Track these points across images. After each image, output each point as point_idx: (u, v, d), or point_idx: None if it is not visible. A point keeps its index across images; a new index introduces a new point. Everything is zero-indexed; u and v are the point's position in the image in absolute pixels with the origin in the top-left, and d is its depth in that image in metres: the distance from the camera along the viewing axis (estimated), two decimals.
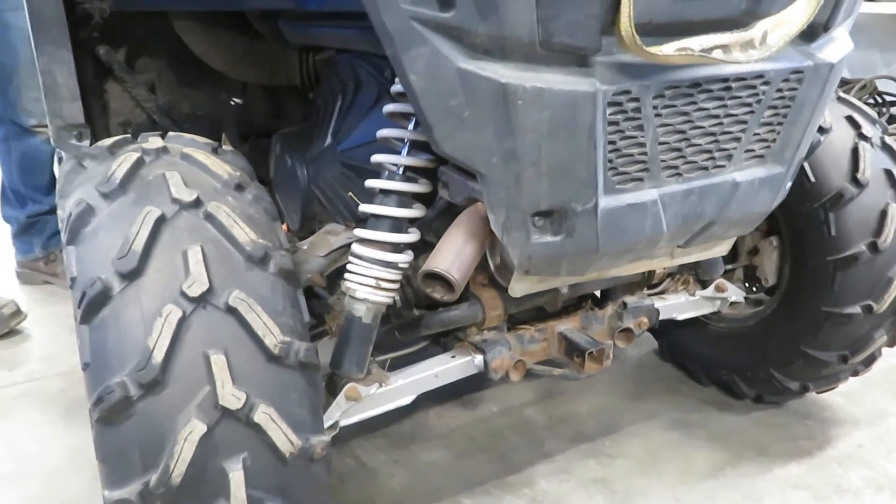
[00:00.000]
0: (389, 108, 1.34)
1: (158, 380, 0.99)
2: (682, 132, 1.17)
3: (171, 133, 1.33)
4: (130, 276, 1.03)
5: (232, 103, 2.00)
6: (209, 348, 1.02)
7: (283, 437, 1.04)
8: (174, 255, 1.06)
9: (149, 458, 0.99)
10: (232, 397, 1.01)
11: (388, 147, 1.37)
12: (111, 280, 1.03)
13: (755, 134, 1.25)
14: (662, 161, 1.18)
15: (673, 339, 2.21)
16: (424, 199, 1.38)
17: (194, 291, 1.03)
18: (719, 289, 1.83)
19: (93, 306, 1.02)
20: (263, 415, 1.03)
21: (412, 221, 1.38)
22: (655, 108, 1.11)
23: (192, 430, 0.99)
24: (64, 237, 1.12)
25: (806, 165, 1.66)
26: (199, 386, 1.01)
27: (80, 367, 1.05)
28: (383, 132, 1.36)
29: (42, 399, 2.16)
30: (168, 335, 1.00)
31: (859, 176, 1.63)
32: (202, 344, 1.02)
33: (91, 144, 1.64)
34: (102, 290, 1.02)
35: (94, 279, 1.03)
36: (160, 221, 1.07)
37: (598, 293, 1.72)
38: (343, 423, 1.40)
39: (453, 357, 1.53)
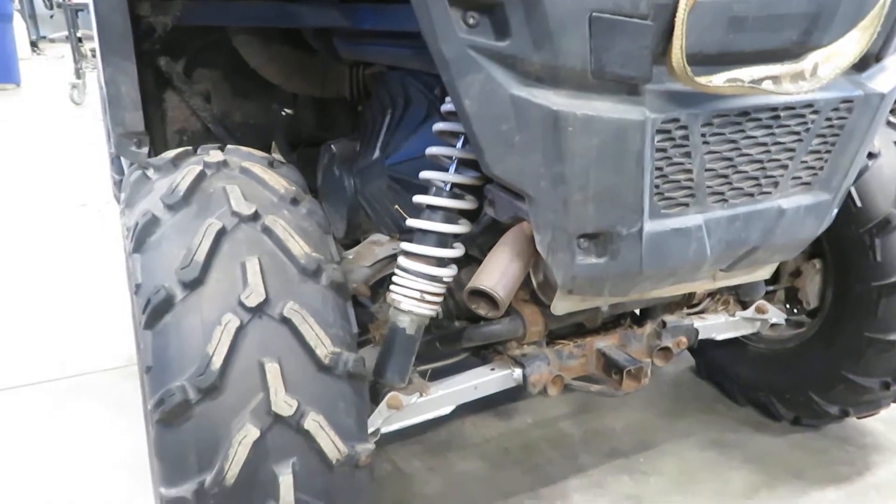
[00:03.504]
0: (439, 126, 1.38)
1: (216, 385, 1.04)
2: (730, 159, 1.18)
3: (229, 146, 1.39)
4: (192, 285, 1.08)
5: (283, 114, 2.05)
6: (264, 357, 1.07)
7: (331, 444, 1.09)
8: (233, 266, 1.11)
9: (204, 459, 1.04)
10: (284, 404, 1.06)
11: (436, 164, 1.40)
12: (174, 288, 1.08)
13: (802, 161, 1.26)
14: (708, 187, 1.19)
15: (711, 358, 2.21)
16: (470, 216, 1.41)
17: (251, 302, 1.08)
18: (760, 310, 1.83)
19: (156, 313, 1.07)
20: (313, 422, 1.07)
21: (457, 237, 1.42)
22: (703, 135, 1.13)
23: (246, 435, 1.04)
24: (130, 245, 1.18)
25: (853, 190, 1.65)
26: (253, 392, 1.06)
27: (143, 369, 1.11)
28: (432, 150, 1.39)
29: (92, 393, 2.24)
30: (226, 343, 1.05)
31: None
32: (257, 352, 1.07)
33: (149, 151, 1.71)
34: (166, 297, 1.07)
35: (159, 287, 1.08)
36: (221, 234, 1.13)
37: (637, 311, 1.74)
38: (384, 430, 1.44)
39: (493, 370, 1.56)
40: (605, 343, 1.62)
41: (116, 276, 2.94)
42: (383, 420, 1.42)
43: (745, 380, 2.10)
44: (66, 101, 7.05)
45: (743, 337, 1.96)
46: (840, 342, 1.79)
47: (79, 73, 7.09)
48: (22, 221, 3.83)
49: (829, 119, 1.23)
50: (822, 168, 1.29)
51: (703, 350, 2.16)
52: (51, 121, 6.52)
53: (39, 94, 7.59)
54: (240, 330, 1.06)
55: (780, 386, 1.98)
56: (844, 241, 1.71)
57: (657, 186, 1.14)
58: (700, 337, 1.73)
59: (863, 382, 1.76)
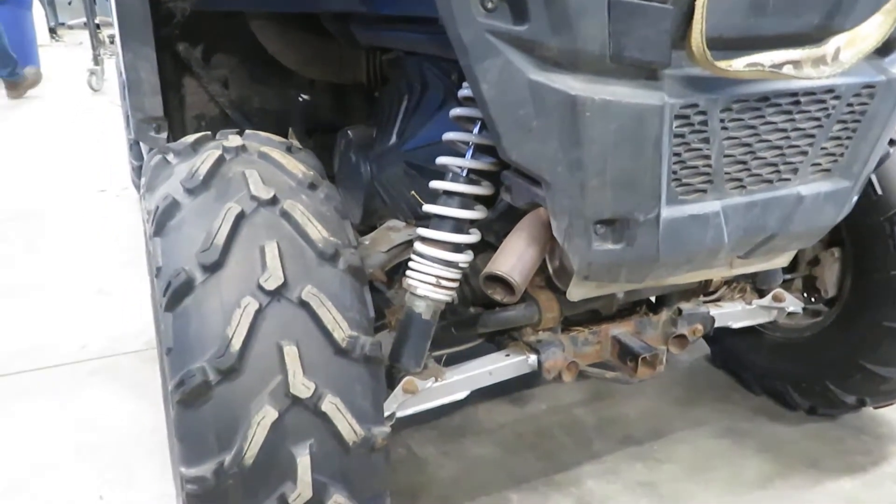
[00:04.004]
0: (456, 111, 1.38)
1: (235, 367, 1.05)
2: (748, 145, 1.18)
3: (248, 131, 1.40)
4: (212, 268, 1.10)
5: (300, 99, 2.06)
6: (282, 339, 1.08)
7: (348, 426, 1.10)
8: (252, 249, 1.12)
9: (224, 439, 1.06)
10: (302, 386, 1.07)
11: (453, 149, 1.41)
12: (194, 271, 1.10)
13: (822, 148, 1.25)
14: (727, 173, 1.19)
15: (726, 346, 2.20)
16: (486, 201, 1.41)
17: (270, 285, 1.09)
18: (777, 298, 1.82)
19: (177, 295, 1.09)
20: (330, 404, 1.09)
21: (473, 222, 1.42)
22: (722, 121, 1.13)
23: (265, 416, 1.05)
24: (150, 229, 1.19)
25: (873, 177, 1.63)
26: (272, 374, 1.07)
27: (163, 351, 1.12)
28: (449, 135, 1.39)
29: (113, 376, 2.28)
30: (245, 325, 1.06)
31: None
32: (276, 335, 1.08)
33: (168, 136, 1.73)
34: (186, 280, 1.09)
35: (179, 270, 1.10)
36: (240, 217, 1.14)
37: (653, 298, 1.73)
38: (399, 414, 1.45)
39: (508, 356, 1.57)
40: (621, 330, 1.62)
41: (136, 261, 2.97)
42: (398, 404, 1.43)
43: (760, 369, 2.09)
44: (84, 87, 7.10)
45: (759, 325, 1.95)
46: (858, 331, 1.77)
47: (97, 60, 7.14)
48: (43, 206, 3.88)
49: (850, 105, 1.22)
50: (842, 154, 1.28)
51: (719, 338, 2.15)
52: (69, 107, 6.58)
53: (58, 80, 7.65)
54: (258, 313, 1.08)
55: (796, 375, 1.97)
56: (864, 229, 1.70)
57: (675, 172, 1.14)
58: (716, 325, 1.72)
59: (880, 372, 1.75)
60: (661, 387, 2.20)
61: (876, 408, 1.94)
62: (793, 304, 1.84)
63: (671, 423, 2.03)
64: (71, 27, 11.88)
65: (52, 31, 11.58)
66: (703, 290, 1.76)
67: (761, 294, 1.83)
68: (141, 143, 2.59)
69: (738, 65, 1.03)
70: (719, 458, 1.90)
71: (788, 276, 1.87)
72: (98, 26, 7.07)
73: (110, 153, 4.70)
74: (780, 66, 1.05)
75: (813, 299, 1.92)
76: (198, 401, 1.05)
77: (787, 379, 2.00)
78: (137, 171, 3.43)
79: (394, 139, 1.77)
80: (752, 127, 1.16)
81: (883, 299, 1.69)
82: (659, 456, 1.91)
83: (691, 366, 2.33)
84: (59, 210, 3.83)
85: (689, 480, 1.82)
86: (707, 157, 1.15)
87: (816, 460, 1.89)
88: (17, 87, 6.84)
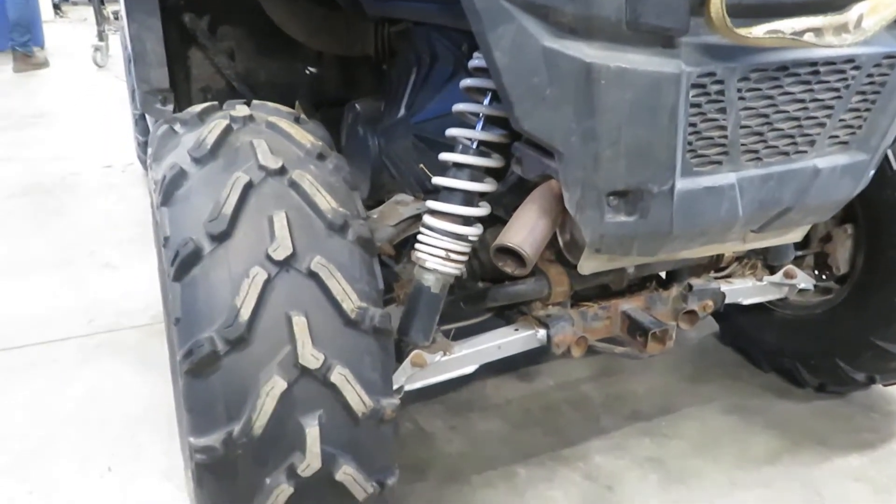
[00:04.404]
0: (466, 82, 1.36)
1: (244, 337, 1.05)
2: (766, 116, 1.15)
3: (255, 102, 1.38)
4: (220, 237, 1.09)
5: (307, 72, 2.04)
6: (291, 310, 1.07)
7: (357, 397, 1.10)
8: (260, 219, 1.11)
9: (233, 409, 1.05)
10: (311, 357, 1.06)
11: (463, 121, 1.39)
12: (202, 241, 1.09)
13: (840, 120, 1.22)
14: (743, 145, 1.16)
15: (735, 323, 2.19)
16: (496, 174, 1.39)
17: (279, 255, 1.08)
18: (788, 275, 1.80)
19: (185, 265, 1.08)
20: (339, 375, 1.08)
21: (483, 195, 1.41)
22: (739, 90, 1.10)
23: (274, 386, 1.05)
24: (158, 199, 1.18)
25: (889, 153, 1.61)
26: (281, 345, 1.06)
27: (171, 321, 1.12)
28: (459, 107, 1.37)
29: (119, 350, 2.28)
30: (254, 295, 1.05)
31: None
32: (285, 305, 1.08)
33: (174, 109, 1.71)
34: (194, 250, 1.08)
35: (187, 239, 1.09)
36: (248, 187, 1.12)
37: (663, 274, 1.72)
38: (407, 387, 1.45)
39: (517, 330, 1.56)
40: (631, 305, 1.61)
41: (142, 237, 2.97)
42: (407, 378, 1.43)
43: (769, 346, 2.08)
44: (89, 63, 7.06)
45: (768, 302, 1.93)
46: (869, 308, 1.76)
47: (101, 36, 7.08)
48: (49, 182, 3.87)
49: (870, 75, 1.19)
50: (860, 127, 1.25)
51: (728, 315, 2.14)
52: (74, 83, 6.55)
53: (63, 56, 7.61)
54: (267, 283, 1.07)
55: (805, 352, 1.96)
56: (878, 205, 1.67)
57: (690, 143, 1.12)
58: (727, 301, 1.71)
59: (891, 349, 1.74)
60: (670, 363, 2.19)
61: (885, 385, 1.93)
62: (804, 280, 1.82)
63: (679, 400, 2.03)
64: (75, 3, 11.78)
65: (57, 7, 11.48)
66: (714, 265, 1.75)
67: (772, 270, 1.81)
68: (147, 117, 2.57)
69: (758, 32, 1.01)
70: (727, 435, 1.89)
71: (800, 253, 1.85)
72: (102, 2, 7.01)
73: (116, 129, 4.68)
74: (801, 33, 1.03)
75: (824, 276, 1.90)
76: (206, 371, 1.05)
77: (797, 356, 1.99)
78: (143, 146, 3.41)
79: (402, 112, 1.75)
80: (770, 97, 1.14)
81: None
82: (667, 432, 1.90)
83: (700, 343, 2.32)
84: (64, 186, 3.82)
85: (696, 456, 1.82)
86: (723, 127, 1.13)
87: (825, 437, 1.88)
88: (26, 61, 6.85)
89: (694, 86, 1.06)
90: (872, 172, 1.36)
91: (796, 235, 1.54)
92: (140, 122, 3.43)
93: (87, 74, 6.86)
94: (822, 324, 1.89)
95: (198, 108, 1.35)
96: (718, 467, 1.78)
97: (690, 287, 1.65)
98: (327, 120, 2.11)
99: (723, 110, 1.11)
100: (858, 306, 1.79)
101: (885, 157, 1.61)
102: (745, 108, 1.13)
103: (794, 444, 1.86)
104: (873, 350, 1.76)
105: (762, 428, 1.92)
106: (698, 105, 1.09)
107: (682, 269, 1.69)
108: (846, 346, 1.83)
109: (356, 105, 1.94)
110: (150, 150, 1.33)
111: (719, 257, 1.71)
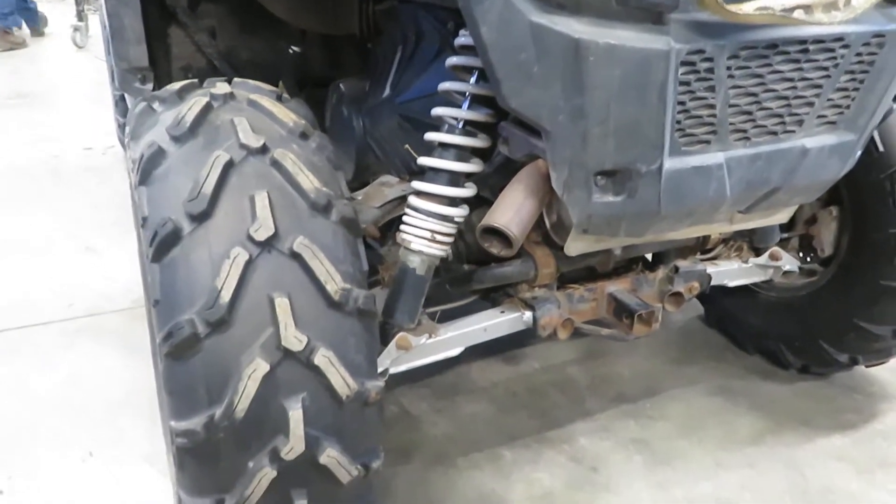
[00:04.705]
0: (452, 60, 1.33)
1: (225, 319, 1.02)
2: (754, 95, 1.14)
3: (236, 79, 1.35)
4: (200, 217, 1.06)
5: (290, 51, 2.00)
6: (273, 291, 1.05)
7: (341, 380, 1.08)
8: (241, 199, 1.08)
9: (214, 392, 1.03)
10: (294, 339, 1.04)
11: (449, 100, 1.37)
12: (181, 221, 1.06)
13: (829, 99, 1.22)
14: (731, 124, 1.15)
15: (720, 305, 2.20)
16: (482, 154, 1.38)
17: (261, 236, 1.05)
18: (773, 257, 1.81)
19: (164, 246, 1.05)
20: (323, 357, 1.06)
21: (469, 176, 1.39)
22: (729, 68, 1.09)
23: (256, 369, 1.03)
24: (135, 178, 1.15)
25: (875, 134, 1.60)
26: (263, 327, 1.04)
27: (151, 303, 1.09)
28: (445, 85, 1.35)
29: (101, 334, 2.25)
30: (235, 277, 1.03)
31: None
32: (267, 287, 1.05)
33: (153, 88, 1.67)
34: (173, 230, 1.05)
35: (166, 220, 1.06)
36: (229, 166, 1.09)
37: (649, 256, 1.71)
38: (392, 370, 1.44)
39: (502, 312, 1.55)
40: (617, 287, 1.60)
41: (123, 220, 2.92)
42: (392, 360, 1.41)
43: (754, 328, 2.09)
44: (68, 43, 6.93)
45: (753, 285, 1.94)
46: (854, 290, 1.77)
47: (81, 16, 6.94)
48: (28, 164, 3.79)
49: (859, 54, 1.18)
50: (848, 107, 1.25)
51: (713, 298, 2.14)
52: (53, 64, 6.42)
53: (42, 36, 7.46)
54: (249, 264, 1.04)
55: (789, 334, 1.97)
56: (863, 187, 1.68)
57: (679, 122, 1.11)
58: (712, 283, 1.71)
59: (875, 330, 1.75)
60: (655, 346, 2.19)
61: (868, 366, 1.94)
62: (789, 262, 1.83)
63: (664, 382, 2.04)
64: None
65: None
66: (700, 247, 1.75)
67: (758, 252, 1.82)
68: (127, 98, 2.52)
69: (748, 8, 0.99)
70: (712, 416, 1.90)
71: (785, 235, 1.85)
72: None
73: (96, 111, 4.60)
74: (791, 10, 1.01)
75: (809, 258, 1.90)
76: (187, 353, 1.03)
77: (781, 338, 2.00)
78: (123, 128, 3.35)
79: (387, 92, 1.72)
80: (759, 76, 1.13)
81: (880, 258, 1.68)
82: (652, 414, 1.91)
83: (685, 325, 2.33)
84: (44, 168, 3.75)
85: (681, 438, 1.82)
86: (712, 106, 1.12)
87: (808, 418, 1.90)
88: (4, 38, 6.73)
89: (683, 63, 1.05)
90: (860, 153, 1.35)
91: (783, 216, 1.54)
92: (120, 103, 3.36)
93: (67, 55, 6.74)
94: (806, 306, 1.90)
95: (177, 85, 1.32)
96: (703, 448, 1.79)
97: (677, 269, 1.64)
98: (311, 100, 2.07)
99: (712, 88, 1.10)
100: (842, 288, 1.80)
101: (872, 139, 1.60)
102: (734, 87, 1.12)
103: (777, 425, 1.87)
104: (856, 331, 1.77)
105: (746, 409, 1.93)
106: (687, 83, 1.07)
107: (668, 251, 1.69)
108: (830, 328, 1.84)
109: (340, 85, 1.91)
110: (127, 129, 1.30)
111: (705, 239, 1.71)
